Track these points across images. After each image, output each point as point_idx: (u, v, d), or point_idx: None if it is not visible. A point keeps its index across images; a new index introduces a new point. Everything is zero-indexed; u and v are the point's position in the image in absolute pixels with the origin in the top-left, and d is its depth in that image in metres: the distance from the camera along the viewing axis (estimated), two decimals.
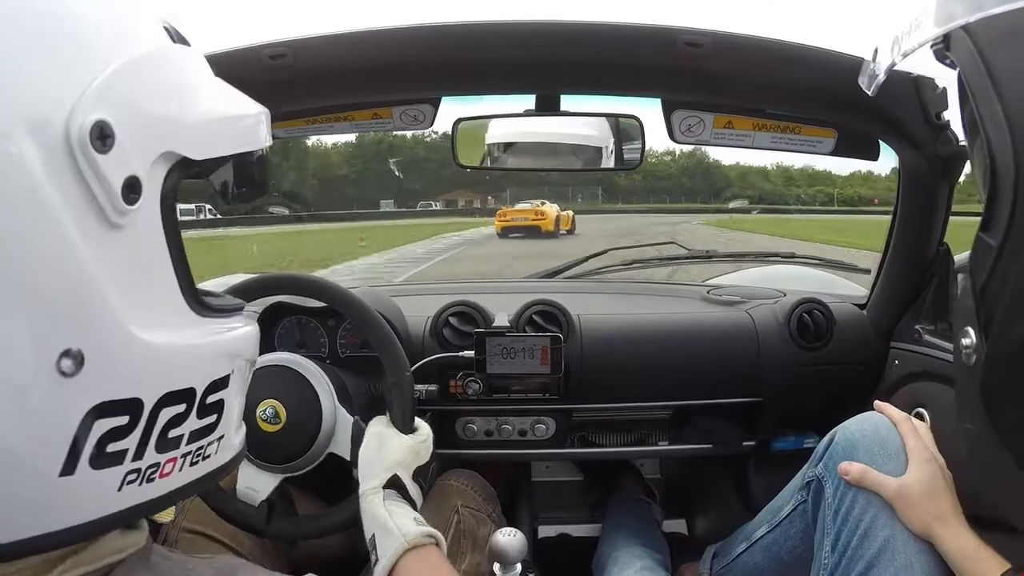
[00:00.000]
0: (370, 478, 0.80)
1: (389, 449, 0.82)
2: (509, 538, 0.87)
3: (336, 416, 0.90)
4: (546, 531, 1.54)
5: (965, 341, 0.31)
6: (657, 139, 1.14)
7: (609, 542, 1.23)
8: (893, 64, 0.35)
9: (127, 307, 0.36)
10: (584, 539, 1.39)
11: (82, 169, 0.33)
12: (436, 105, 1.03)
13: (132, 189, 0.36)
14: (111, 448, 0.36)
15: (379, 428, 0.86)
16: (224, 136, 0.42)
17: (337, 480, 0.92)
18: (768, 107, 1.05)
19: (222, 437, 0.44)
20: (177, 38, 0.42)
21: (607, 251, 1.91)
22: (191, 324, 0.41)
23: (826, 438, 0.85)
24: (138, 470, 0.38)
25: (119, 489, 0.37)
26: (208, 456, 0.43)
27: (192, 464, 0.41)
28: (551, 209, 13.74)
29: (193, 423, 0.41)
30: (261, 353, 0.93)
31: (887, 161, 1.08)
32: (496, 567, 0.88)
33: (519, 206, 14.55)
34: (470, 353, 1.13)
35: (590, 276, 1.78)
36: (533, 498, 1.50)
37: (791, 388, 1.20)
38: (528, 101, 1.04)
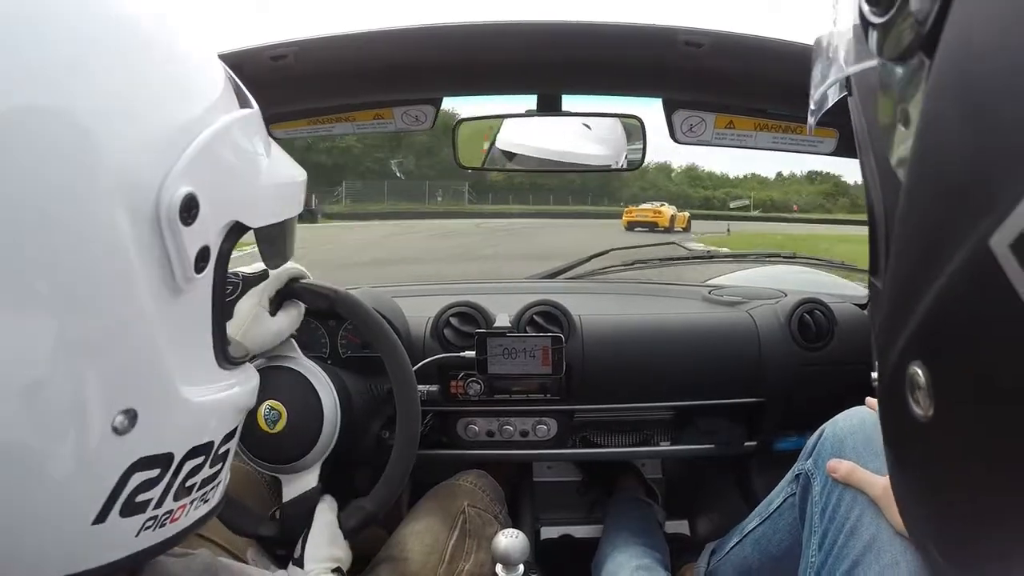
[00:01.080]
0: (319, 561, 0.82)
1: (339, 548, 0.84)
2: (511, 539, 0.87)
3: (337, 421, 0.90)
4: (548, 532, 1.54)
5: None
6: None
7: (610, 542, 1.23)
8: (817, 110, 0.37)
9: (177, 367, 0.37)
10: (587, 540, 1.39)
11: (166, 239, 0.34)
12: (437, 105, 1.03)
13: (203, 258, 0.37)
14: (139, 498, 0.37)
15: (330, 521, 0.86)
16: (278, 203, 0.43)
17: (336, 480, 0.92)
18: (769, 107, 1.04)
19: (221, 483, 0.45)
20: (241, 99, 0.42)
21: (608, 251, 1.91)
22: (218, 379, 0.42)
23: (816, 433, 0.84)
24: (155, 517, 0.39)
25: (137, 535, 0.38)
26: (209, 499, 0.44)
27: (195, 508, 0.42)
28: (667, 209, 17.10)
29: (206, 472, 0.42)
30: None
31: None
32: (499, 568, 0.88)
33: (643, 206, 18.37)
34: (471, 353, 1.13)
35: (591, 276, 1.78)
36: (535, 499, 1.50)
37: (793, 388, 1.20)
38: (529, 101, 1.04)
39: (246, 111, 0.41)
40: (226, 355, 0.43)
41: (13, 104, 0.29)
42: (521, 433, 1.21)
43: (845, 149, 1.07)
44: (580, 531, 1.49)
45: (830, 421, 0.84)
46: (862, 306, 1.29)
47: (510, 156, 1.14)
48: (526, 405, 1.19)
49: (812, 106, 0.36)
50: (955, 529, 0.27)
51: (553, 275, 1.76)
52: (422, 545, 0.94)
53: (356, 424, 0.94)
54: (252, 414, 0.87)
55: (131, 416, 0.34)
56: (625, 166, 1.15)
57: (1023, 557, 0.23)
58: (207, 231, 0.36)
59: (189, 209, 0.34)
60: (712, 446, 1.24)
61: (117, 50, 0.34)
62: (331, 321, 1.18)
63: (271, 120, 1.04)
